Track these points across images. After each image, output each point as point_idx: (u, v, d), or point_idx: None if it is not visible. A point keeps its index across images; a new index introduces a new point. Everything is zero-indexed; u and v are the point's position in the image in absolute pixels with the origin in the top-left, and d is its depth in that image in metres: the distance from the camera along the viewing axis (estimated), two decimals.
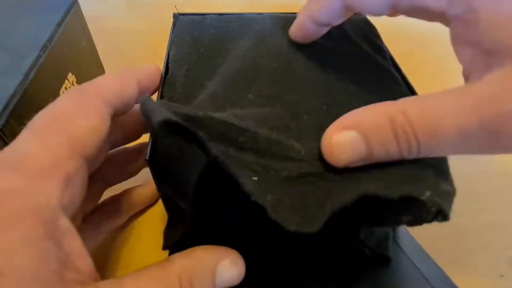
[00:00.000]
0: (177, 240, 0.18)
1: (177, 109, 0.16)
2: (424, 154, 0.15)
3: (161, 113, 0.15)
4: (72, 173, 0.14)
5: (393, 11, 0.19)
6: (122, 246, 0.26)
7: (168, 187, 0.17)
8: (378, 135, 0.15)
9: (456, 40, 0.17)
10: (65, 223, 0.13)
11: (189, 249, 0.16)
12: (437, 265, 0.21)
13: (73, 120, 0.16)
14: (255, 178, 0.15)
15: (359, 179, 0.16)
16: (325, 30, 0.22)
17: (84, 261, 0.14)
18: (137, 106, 0.21)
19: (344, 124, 0.16)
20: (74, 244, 0.14)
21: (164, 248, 0.19)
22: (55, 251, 0.12)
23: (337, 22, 0.22)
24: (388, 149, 0.15)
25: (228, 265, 0.16)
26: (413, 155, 0.15)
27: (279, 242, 0.21)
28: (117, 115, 0.19)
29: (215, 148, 0.14)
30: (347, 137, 0.16)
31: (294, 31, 0.23)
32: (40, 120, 0.15)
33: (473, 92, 0.15)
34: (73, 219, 0.15)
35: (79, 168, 0.15)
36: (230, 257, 0.16)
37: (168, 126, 0.15)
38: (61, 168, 0.14)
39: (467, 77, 0.17)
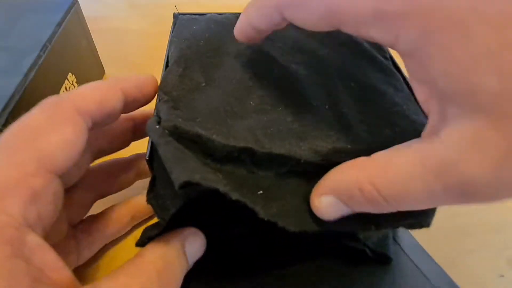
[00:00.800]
0: (149, 238, 0.18)
1: (182, 130, 0.17)
2: (396, 209, 0.16)
3: (181, 171, 0.15)
4: (39, 189, 0.14)
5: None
6: (122, 246, 0.26)
7: (156, 194, 0.18)
8: (352, 200, 0.16)
9: (410, 75, 0.15)
10: (33, 239, 0.13)
11: (155, 240, 0.17)
12: (437, 264, 0.21)
13: (43, 134, 0.15)
14: (260, 192, 0.17)
15: None
16: (266, 34, 0.21)
17: (59, 274, 0.14)
18: (123, 116, 0.21)
19: (321, 190, 0.17)
20: (47, 258, 0.13)
21: (136, 244, 0.19)
22: (25, 269, 0.12)
23: (277, 28, 0.20)
24: (365, 209, 0.16)
25: (193, 239, 0.18)
26: (387, 211, 0.16)
27: (278, 242, 0.21)
28: (100, 125, 0.18)
29: (234, 195, 0.15)
30: (326, 201, 0.16)
31: (236, 33, 0.21)
32: (8, 135, 0.15)
33: (434, 155, 0.14)
34: (52, 231, 0.15)
35: (48, 183, 0.15)
36: (191, 232, 0.18)
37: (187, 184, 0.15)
38: (26, 185, 0.14)
39: (427, 112, 0.15)
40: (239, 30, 0.21)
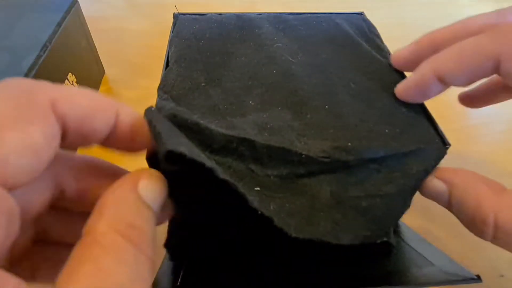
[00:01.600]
0: (177, 241, 0.18)
1: (181, 118, 0.17)
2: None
3: (169, 141, 0.14)
4: None
5: None
6: None
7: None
8: (463, 209, 0.17)
9: None
10: None
11: (99, 204, 0.13)
12: (439, 250, 0.21)
13: (4, 132, 0.11)
14: (258, 189, 0.16)
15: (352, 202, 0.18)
16: (445, 89, 0.20)
17: None
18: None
19: (440, 178, 0.18)
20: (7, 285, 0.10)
21: (164, 245, 0.19)
22: None
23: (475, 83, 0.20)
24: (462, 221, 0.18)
25: (146, 184, 0.14)
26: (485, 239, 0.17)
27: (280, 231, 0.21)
28: (70, 146, 0.14)
29: (222, 174, 0.14)
30: (438, 187, 0.18)
31: (409, 84, 0.21)
32: None
33: None
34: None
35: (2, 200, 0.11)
36: (143, 177, 0.14)
37: (174, 155, 0.13)
38: None
39: None
40: (416, 83, 0.20)
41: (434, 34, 0.22)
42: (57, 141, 0.13)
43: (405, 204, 0.18)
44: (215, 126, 0.18)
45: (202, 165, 0.14)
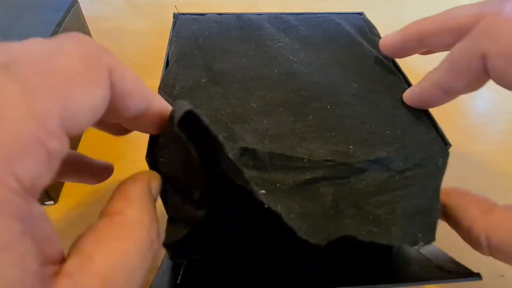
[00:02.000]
0: (178, 239, 0.18)
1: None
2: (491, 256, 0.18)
3: (185, 106, 0.14)
4: (53, 153, 0.12)
5: None
6: None
7: (172, 189, 0.17)
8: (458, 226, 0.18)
9: None
10: (38, 211, 0.11)
11: (116, 194, 0.15)
12: (438, 249, 0.21)
13: (75, 87, 0.12)
14: (263, 191, 0.16)
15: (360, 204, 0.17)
16: (453, 98, 0.21)
17: (54, 246, 0.12)
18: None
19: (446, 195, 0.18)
20: (47, 230, 0.12)
21: (164, 244, 0.19)
22: (34, 251, 0.11)
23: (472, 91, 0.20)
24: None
25: (155, 182, 0.17)
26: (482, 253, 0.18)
27: (283, 228, 0.21)
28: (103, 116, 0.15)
29: (232, 154, 0.14)
30: None
31: (413, 95, 0.21)
32: (33, 69, 0.12)
33: None
34: None
35: (62, 148, 0.12)
36: (152, 175, 0.17)
37: (188, 123, 0.14)
38: (43, 146, 0.11)
39: None
40: (420, 92, 0.21)
41: (420, 25, 0.22)
42: (107, 104, 0.14)
43: (426, 203, 0.17)
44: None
45: (214, 138, 0.14)
